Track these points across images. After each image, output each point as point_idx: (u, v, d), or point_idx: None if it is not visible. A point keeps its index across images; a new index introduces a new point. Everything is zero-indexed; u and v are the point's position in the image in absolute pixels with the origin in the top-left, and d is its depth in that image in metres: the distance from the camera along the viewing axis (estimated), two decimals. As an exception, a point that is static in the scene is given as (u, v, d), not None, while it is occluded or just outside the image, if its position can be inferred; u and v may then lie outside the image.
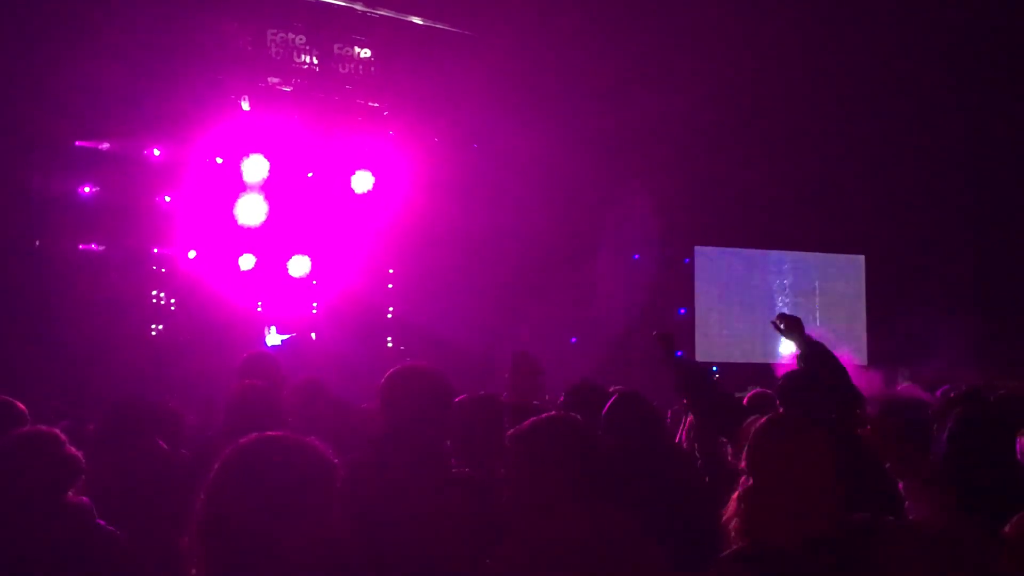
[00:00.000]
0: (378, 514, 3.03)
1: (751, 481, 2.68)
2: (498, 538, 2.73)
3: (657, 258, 17.80)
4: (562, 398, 5.39)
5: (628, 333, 16.41)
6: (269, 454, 2.34)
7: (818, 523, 2.60)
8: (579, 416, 3.62)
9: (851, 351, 18.90)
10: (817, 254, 19.87)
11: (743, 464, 2.75)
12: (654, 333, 5.63)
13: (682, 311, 18.18)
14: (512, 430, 2.66)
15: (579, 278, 16.78)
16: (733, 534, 2.70)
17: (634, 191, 16.53)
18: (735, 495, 2.72)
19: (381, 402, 3.51)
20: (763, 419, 2.87)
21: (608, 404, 4.70)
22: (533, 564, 2.42)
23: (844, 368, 4.79)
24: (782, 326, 5.08)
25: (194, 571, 2.30)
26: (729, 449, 5.11)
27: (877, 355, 18.74)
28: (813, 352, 4.79)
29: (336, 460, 2.43)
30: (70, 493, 3.53)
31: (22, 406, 4.35)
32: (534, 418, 2.69)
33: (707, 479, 4.90)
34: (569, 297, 16.56)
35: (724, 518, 2.74)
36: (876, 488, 4.09)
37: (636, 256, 17.72)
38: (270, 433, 2.42)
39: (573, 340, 16.72)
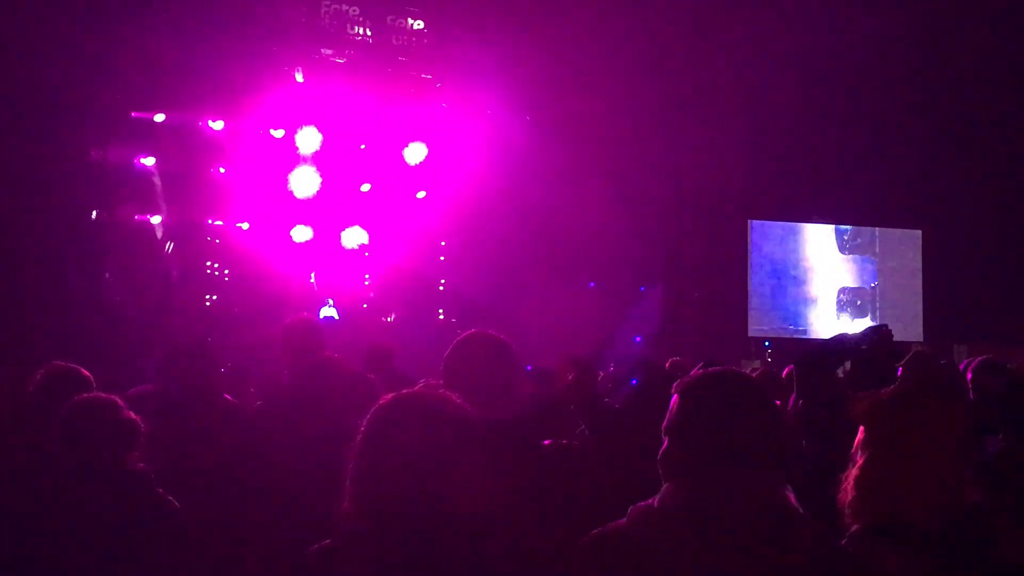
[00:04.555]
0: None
1: (877, 455, 2.61)
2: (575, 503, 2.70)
3: (711, 233, 17.67)
4: (611, 368, 5.30)
5: (682, 302, 16.36)
6: (416, 410, 2.41)
7: (949, 498, 2.54)
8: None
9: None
10: (874, 229, 19.63)
11: (864, 438, 2.68)
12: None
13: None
14: (683, 379, 2.54)
15: (636, 251, 16.71)
16: (849, 511, 2.63)
17: (692, 161, 16.39)
18: (853, 472, 2.66)
19: (445, 372, 3.47)
20: (889, 391, 2.79)
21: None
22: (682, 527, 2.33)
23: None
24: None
25: (353, 528, 2.35)
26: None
27: (934, 331, 18.50)
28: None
29: (477, 416, 2.48)
30: (129, 460, 3.55)
31: (87, 372, 4.40)
32: (709, 370, 2.54)
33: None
34: (625, 268, 16.51)
35: (840, 496, 2.68)
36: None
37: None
38: (407, 391, 2.49)
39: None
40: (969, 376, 5.96)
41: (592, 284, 16.96)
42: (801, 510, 2.32)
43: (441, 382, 3.48)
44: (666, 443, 2.41)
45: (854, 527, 2.61)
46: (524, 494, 2.96)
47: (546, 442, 3.47)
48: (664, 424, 2.43)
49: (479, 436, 2.44)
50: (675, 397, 2.45)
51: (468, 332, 3.49)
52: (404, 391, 2.48)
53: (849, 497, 2.62)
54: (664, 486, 2.36)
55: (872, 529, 2.56)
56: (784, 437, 2.45)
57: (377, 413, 2.43)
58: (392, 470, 2.32)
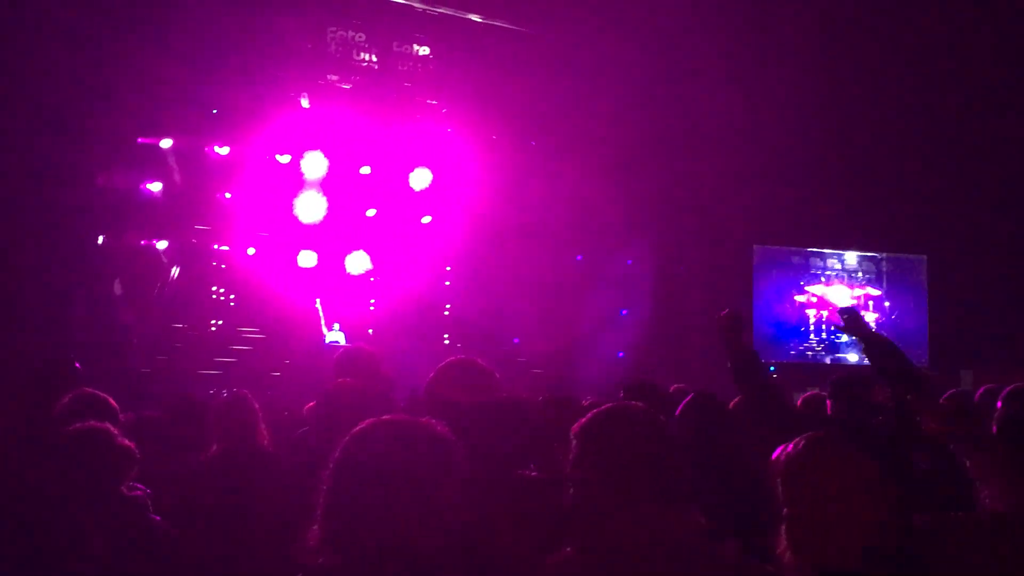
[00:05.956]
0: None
1: (793, 511, 2.57)
2: (558, 539, 2.66)
3: (709, 258, 17.63)
4: (621, 395, 5.28)
5: (687, 330, 16.32)
6: (388, 436, 2.36)
7: (873, 535, 2.48)
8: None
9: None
10: (879, 254, 19.60)
11: (781, 495, 2.63)
12: (722, 313, 5.17)
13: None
14: (579, 421, 2.52)
15: (641, 274, 16.69)
16: (787, 566, 2.57)
17: (697, 187, 16.39)
18: (783, 527, 2.62)
19: (425, 397, 3.42)
20: (790, 448, 2.73)
21: (683, 404, 4.55)
22: (595, 571, 2.31)
23: (903, 354, 4.66)
24: (842, 324, 4.91)
25: (320, 558, 2.29)
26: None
27: (940, 357, 18.41)
28: (873, 342, 4.65)
29: (455, 439, 2.43)
30: (124, 486, 3.57)
31: (113, 402, 4.44)
32: (601, 408, 2.55)
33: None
34: (630, 293, 16.49)
35: (778, 550, 2.63)
36: (945, 480, 3.99)
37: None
38: (387, 416, 2.43)
39: (621, 354, 16.52)
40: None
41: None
42: (714, 540, 2.33)
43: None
44: (571, 490, 2.40)
45: None
46: (499, 525, 2.91)
47: (533, 474, 3.40)
48: (567, 471, 2.43)
49: (457, 465, 2.39)
50: (572, 441, 2.45)
51: (452, 358, 3.46)
52: (380, 418, 2.43)
53: (785, 553, 2.58)
54: (574, 535, 2.36)
55: None
56: (681, 465, 2.45)
57: (351, 441, 2.37)
58: (364, 501, 2.27)
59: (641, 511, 2.30)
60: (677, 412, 4.40)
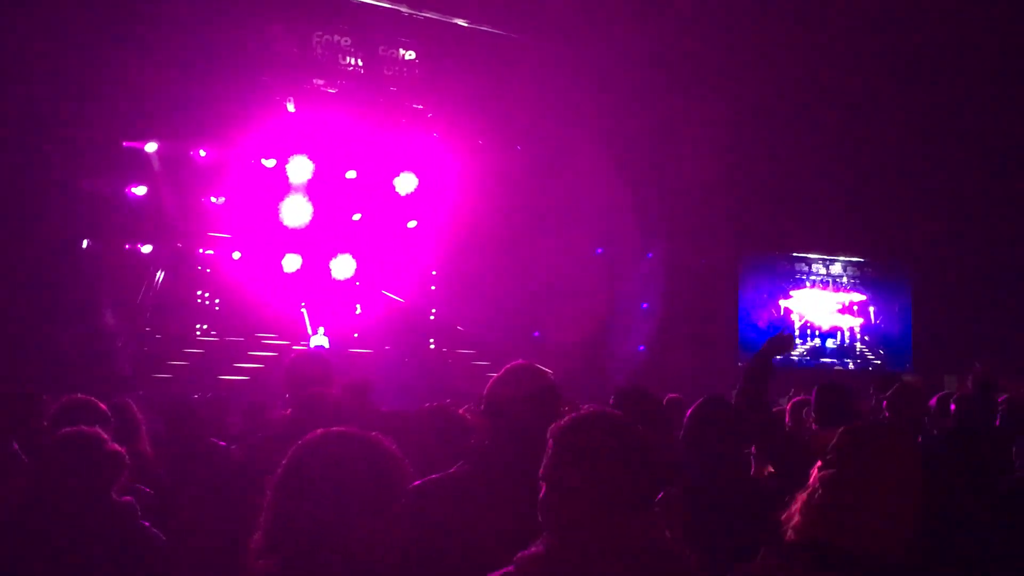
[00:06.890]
0: (488, 527, 2.94)
1: (828, 483, 2.57)
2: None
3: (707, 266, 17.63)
4: (611, 402, 5.27)
5: (681, 335, 16.36)
6: (336, 448, 2.35)
7: (898, 532, 2.49)
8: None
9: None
10: (864, 262, 19.68)
11: (824, 461, 2.63)
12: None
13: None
14: (556, 423, 2.54)
15: (626, 279, 16.71)
16: (791, 531, 2.58)
17: (683, 194, 16.41)
18: (801, 496, 2.61)
19: (487, 405, 3.40)
20: (852, 427, 2.75)
21: (693, 408, 4.54)
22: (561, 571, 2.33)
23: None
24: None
25: (261, 563, 2.28)
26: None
27: (923, 363, 18.47)
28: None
29: (402, 456, 2.41)
30: (114, 491, 3.54)
31: (103, 406, 4.39)
32: (580, 412, 2.52)
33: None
34: (617, 299, 16.50)
35: (784, 515, 2.62)
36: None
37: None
38: (337, 429, 2.41)
39: (642, 347, 16.55)
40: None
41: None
42: (678, 547, 2.35)
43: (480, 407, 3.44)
44: (543, 490, 2.42)
45: (791, 542, 2.58)
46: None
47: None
48: (540, 471, 2.44)
49: (404, 479, 2.40)
50: (549, 442, 2.46)
51: (514, 362, 3.44)
52: (333, 429, 2.41)
53: (794, 519, 2.58)
54: (545, 534, 2.37)
55: (807, 546, 2.53)
56: (656, 474, 2.47)
57: (302, 448, 2.37)
58: (306, 509, 2.27)
59: (610, 517, 2.32)
60: (687, 415, 4.40)
